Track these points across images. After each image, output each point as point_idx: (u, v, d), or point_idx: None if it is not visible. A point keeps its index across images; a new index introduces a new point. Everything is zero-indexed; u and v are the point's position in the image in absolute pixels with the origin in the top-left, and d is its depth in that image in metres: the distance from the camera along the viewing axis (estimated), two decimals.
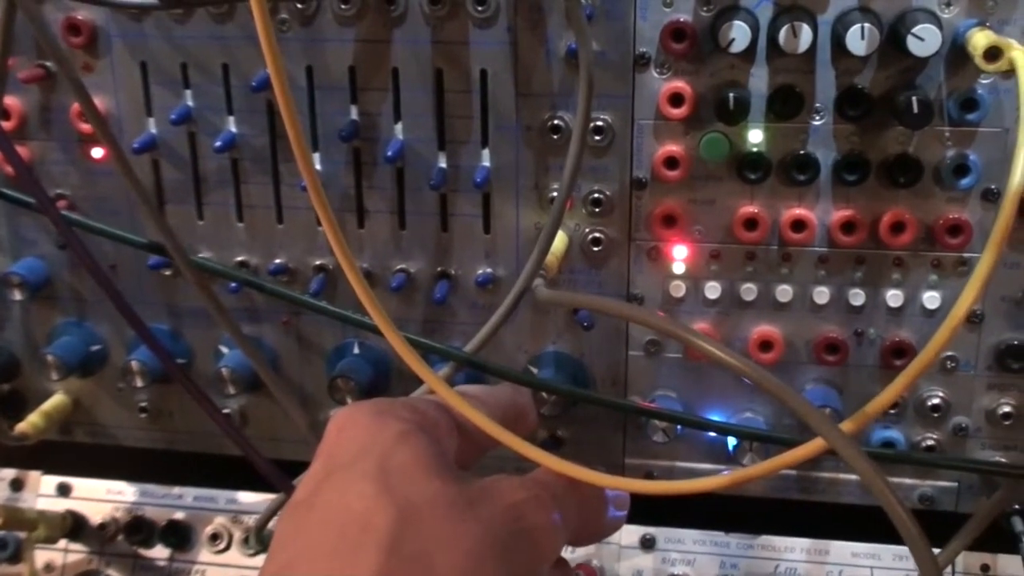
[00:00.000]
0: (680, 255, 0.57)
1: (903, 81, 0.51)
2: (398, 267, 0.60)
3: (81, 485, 0.69)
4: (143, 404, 0.66)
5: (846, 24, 0.49)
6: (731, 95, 0.51)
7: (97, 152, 0.60)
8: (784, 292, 0.56)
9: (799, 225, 0.55)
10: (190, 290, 0.57)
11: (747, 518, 0.62)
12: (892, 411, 0.58)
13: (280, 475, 0.55)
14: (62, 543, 0.68)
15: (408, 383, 0.58)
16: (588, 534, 0.45)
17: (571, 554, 0.62)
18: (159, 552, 0.68)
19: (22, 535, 0.67)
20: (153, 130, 0.59)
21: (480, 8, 0.53)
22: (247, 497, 0.67)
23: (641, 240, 0.57)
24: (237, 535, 0.67)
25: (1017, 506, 0.55)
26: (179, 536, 0.67)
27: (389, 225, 0.59)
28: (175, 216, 0.61)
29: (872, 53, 0.50)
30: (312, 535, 0.35)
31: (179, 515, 0.67)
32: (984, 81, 0.51)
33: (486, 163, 0.57)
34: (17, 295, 0.62)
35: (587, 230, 0.57)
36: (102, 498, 0.68)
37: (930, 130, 0.52)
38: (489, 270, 0.59)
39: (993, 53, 0.47)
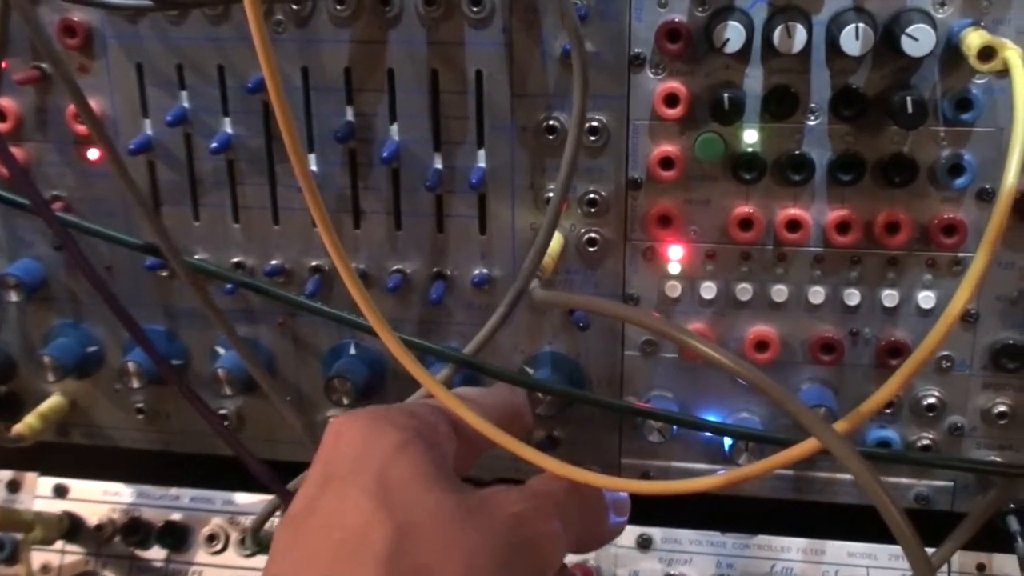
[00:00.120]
0: (676, 255, 0.57)
1: (898, 81, 0.52)
2: (394, 268, 0.60)
3: (78, 486, 0.69)
4: (140, 405, 0.66)
5: (840, 24, 0.49)
6: (726, 95, 0.51)
7: (93, 154, 0.60)
8: (780, 292, 0.56)
9: (794, 225, 0.55)
10: (186, 291, 0.57)
11: (744, 518, 0.63)
12: (888, 411, 0.58)
13: (274, 477, 0.54)
14: (59, 544, 0.68)
15: (404, 384, 0.58)
16: (589, 541, 0.45)
17: (568, 556, 0.62)
18: (156, 553, 0.68)
19: (18, 536, 0.67)
20: (149, 131, 0.59)
21: (475, 9, 0.53)
22: (244, 498, 0.67)
23: (637, 240, 0.57)
24: (234, 536, 0.67)
25: (1012, 505, 0.56)
26: (176, 537, 0.67)
27: (385, 226, 0.59)
28: (171, 217, 0.61)
29: (867, 53, 0.50)
30: (310, 548, 0.35)
31: (176, 516, 0.67)
32: (978, 81, 0.51)
33: (482, 164, 0.57)
34: (13, 296, 0.62)
35: (583, 230, 0.57)
36: (99, 499, 0.68)
37: (925, 130, 0.52)
38: (485, 271, 0.59)
39: (987, 53, 0.47)
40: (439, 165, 0.57)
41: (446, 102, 0.56)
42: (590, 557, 0.63)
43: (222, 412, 0.65)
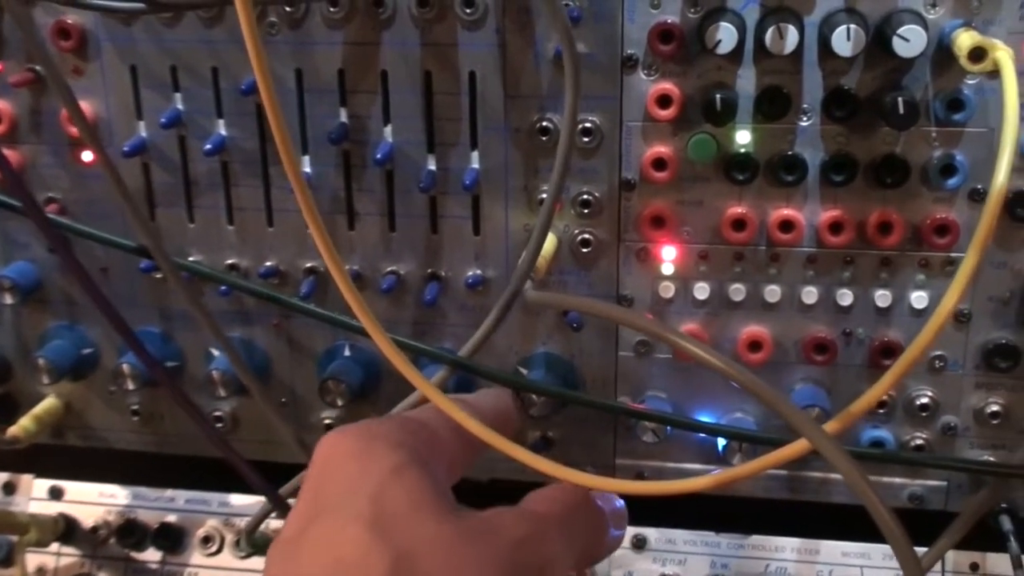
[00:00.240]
0: (669, 256, 0.57)
1: (889, 82, 0.52)
2: (388, 269, 0.60)
3: (73, 488, 0.69)
4: (135, 407, 0.66)
5: (832, 25, 0.50)
6: (718, 96, 0.51)
7: (88, 156, 0.61)
8: (772, 292, 0.57)
9: (787, 226, 0.55)
10: (180, 293, 0.57)
11: (738, 518, 0.63)
12: (881, 411, 0.58)
13: (266, 484, 0.54)
14: (54, 547, 0.68)
15: (399, 385, 0.58)
16: (589, 559, 0.44)
17: None
18: (151, 555, 0.68)
19: (14, 538, 0.67)
20: (143, 133, 0.59)
21: (468, 10, 0.54)
22: (239, 500, 0.67)
23: (630, 241, 0.57)
24: (229, 538, 0.67)
25: (1005, 505, 0.56)
26: (171, 539, 0.67)
27: (379, 227, 0.59)
28: (166, 219, 0.61)
29: (858, 54, 0.50)
30: None
31: (171, 518, 0.67)
32: (970, 81, 0.51)
33: (475, 165, 0.57)
34: (8, 299, 0.62)
35: (576, 231, 0.57)
36: (94, 501, 0.68)
37: (917, 130, 0.52)
38: (479, 272, 0.59)
39: (978, 54, 0.47)
40: (433, 166, 0.57)
41: (439, 103, 0.56)
42: None
43: (217, 414, 0.65)
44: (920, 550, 0.52)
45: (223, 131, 0.59)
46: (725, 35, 0.50)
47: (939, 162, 0.52)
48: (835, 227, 0.54)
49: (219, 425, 0.65)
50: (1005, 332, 0.56)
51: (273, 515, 0.59)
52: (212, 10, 0.56)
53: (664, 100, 0.53)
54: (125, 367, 0.62)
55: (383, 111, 0.57)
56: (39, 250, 0.63)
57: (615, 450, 0.62)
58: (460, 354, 0.53)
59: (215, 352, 0.63)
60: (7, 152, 0.60)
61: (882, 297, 0.56)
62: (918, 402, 0.57)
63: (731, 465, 0.58)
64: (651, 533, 0.63)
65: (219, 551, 0.67)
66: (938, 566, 0.60)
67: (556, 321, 0.59)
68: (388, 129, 0.57)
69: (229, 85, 0.58)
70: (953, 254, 0.55)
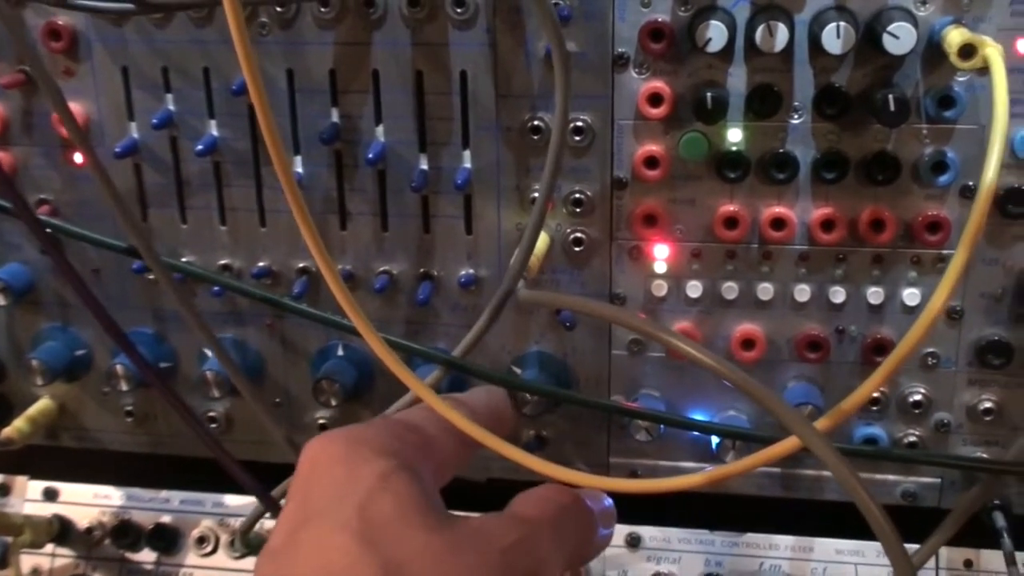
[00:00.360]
0: (661, 254, 0.57)
1: (880, 79, 0.52)
2: (381, 269, 0.60)
3: (67, 490, 0.69)
4: (129, 408, 0.66)
5: (822, 23, 0.50)
6: (709, 95, 0.51)
7: (79, 157, 0.60)
8: (765, 290, 0.57)
9: (779, 223, 0.55)
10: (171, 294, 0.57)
11: (732, 516, 0.63)
12: (874, 408, 0.58)
13: (258, 486, 0.54)
14: (49, 548, 0.68)
15: (393, 384, 0.58)
16: (580, 560, 0.44)
17: None
18: (146, 556, 0.68)
19: (8, 540, 0.67)
20: (135, 134, 0.59)
21: (459, 10, 0.54)
22: (233, 500, 0.67)
23: (622, 240, 0.57)
24: (224, 538, 0.67)
25: (997, 501, 0.56)
26: (166, 540, 0.67)
27: (371, 227, 0.59)
28: (158, 220, 0.61)
29: (848, 52, 0.50)
30: None
31: (166, 519, 0.68)
32: (961, 78, 0.51)
33: (467, 164, 0.57)
34: (1, 300, 0.62)
35: (569, 230, 0.57)
36: (88, 502, 0.68)
37: (908, 128, 0.52)
38: (471, 271, 0.59)
39: (967, 50, 0.47)
40: (425, 166, 0.57)
41: (431, 103, 0.56)
42: None
43: (211, 415, 0.65)
44: (913, 547, 0.52)
45: (215, 132, 0.59)
46: (715, 33, 0.50)
47: (930, 159, 0.52)
48: (827, 225, 0.54)
49: (213, 426, 0.65)
50: (997, 329, 0.56)
51: (267, 516, 0.59)
52: (202, 11, 0.56)
53: (655, 99, 0.53)
54: (118, 368, 0.62)
55: (375, 111, 0.57)
56: (31, 252, 0.63)
57: (609, 449, 0.62)
58: (453, 354, 0.53)
59: (208, 353, 0.63)
60: None
61: (874, 294, 0.56)
62: (911, 399, 0.57)
63: (724, 463, 0.58)
64: (646, 532, 0.63)
65: (214, 551, 0.67)
66: (932, 563, 0.60)
67: (549, 320, 0.59)
68: (380, 129, 0.57)
69: (220, 85, 0.58)
70: (945, 251, 0.55)
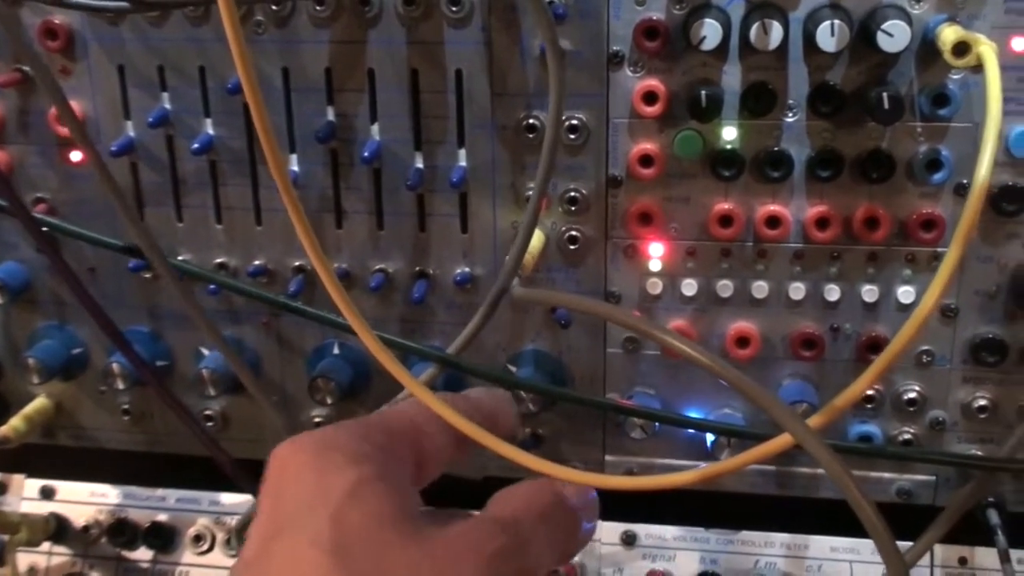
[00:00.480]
0: (656, 252, 0.57)
1: (874, 77, 0.52)
2: (376, 267, 0.60)
3: (64, 488, 0.69)
4: (125, 406, 0.66)
5: (816, 21, 0.50)
6: (704, 93, 0.52)
7: (76, 155, 0.61)
8: (760, 288, 0.57)
9: (774, 221, 0.55)
10: (170, 292, 0.57)
11: (727, 514, 0.63)
12: (869, 405, 0.58)
13: (252, 484, 0.54)
14: (45, 546, 0.68)
15: (389, 383, 0.58)
16: (563, 557, 0.42)
17: None
18: (142, 554, 0.68)
19: (4, 538, 0.67)
20: (131, 133, 0.59)
21: (454, 8, 0.54)
22: (229, 498, 0.68)
23: (617, 238, 0.57)
24: (220, 536, 0.67)
25: (992, 499, 0.56)
26: (162, 538, 0.67)
27: (367, 225, 0.59)
28: (154, 219, 0.61)
29: (843, 49, 0.50)
30: None
31: (162, 517, 0.68)
32: (955, 76, 0.51)
33: (462, 163, 0.57)
34: None
35: (564, 228, 0.57)
36: (85, 500, 0.68)
37: (902, 125, 0.52)
38: (467, 269, 0.59)
39: (961, 48, 0.47)
40: (420, 164, 0.57)
41: (426, 101, 0.56)
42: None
43: (207, 413, 0.65)
44: (907, 544, 0.52)
45: (211, 130, 0.59)
46: (710, 31, 0.50)
47: (924, 157, 0.52)
48: (821, 223, 0.55)
49: (209, 424, 0.65)
50: (992, 326, 0.56)
51: None
52: (198, 9, 0.56)
53: (650, 97, 0.53)
54: (115, 367, 0.62)
55: (370, 109, 0.57)
56: (28, 250, 0.63)
57: (604, 446, 0.62)
58: (448, 352, 0.53)
59: (205, 351, 0.63)
60: None
61: (869, 292, 0.56)
62: (906, 397, 0.57)
63: (719, 461, 0.58)
64: (641, 529, 0.63)
65: (210, 550, 0.67)
66: (927, 560, 0.60)
67: (544, 318, 0.60)
68: (375, 127, 0.57)
69: (216, 84, 0.58)
70: (939, 249, 0.55)
